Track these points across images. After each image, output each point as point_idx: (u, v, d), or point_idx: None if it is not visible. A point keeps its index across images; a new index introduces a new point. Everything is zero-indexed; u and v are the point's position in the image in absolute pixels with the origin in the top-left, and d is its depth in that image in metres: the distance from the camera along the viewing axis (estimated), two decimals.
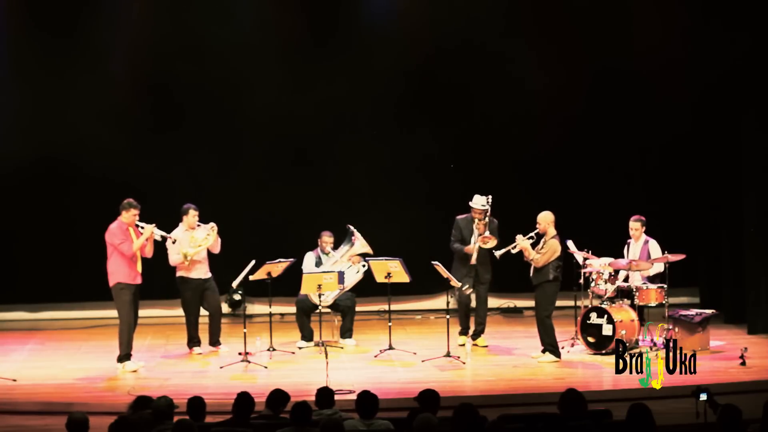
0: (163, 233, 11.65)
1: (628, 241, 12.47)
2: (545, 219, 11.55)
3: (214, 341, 12.43)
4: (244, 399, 7.75)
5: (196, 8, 14.14)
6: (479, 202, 12.36)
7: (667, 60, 13.99)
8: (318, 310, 12.38)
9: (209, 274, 12.33)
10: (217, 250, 12.25)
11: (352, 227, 12.73)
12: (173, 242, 11.83)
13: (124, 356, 11.48)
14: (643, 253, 12.26)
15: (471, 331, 12.53)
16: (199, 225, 12.19)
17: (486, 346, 12.47)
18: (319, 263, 12.66)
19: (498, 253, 11.91)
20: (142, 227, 11.51)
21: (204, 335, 12.44)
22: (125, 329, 11.45)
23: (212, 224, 12.14)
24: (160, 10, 14.06)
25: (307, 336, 12.59)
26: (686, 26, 13.86)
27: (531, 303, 12.03)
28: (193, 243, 12.07)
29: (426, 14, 14.23)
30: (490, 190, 12.39)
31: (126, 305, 11.44)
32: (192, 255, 12.05)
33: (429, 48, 14.31)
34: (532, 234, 11.59)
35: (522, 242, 11.59)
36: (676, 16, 13.92)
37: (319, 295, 12.19)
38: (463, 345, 12.04)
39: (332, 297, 12.53)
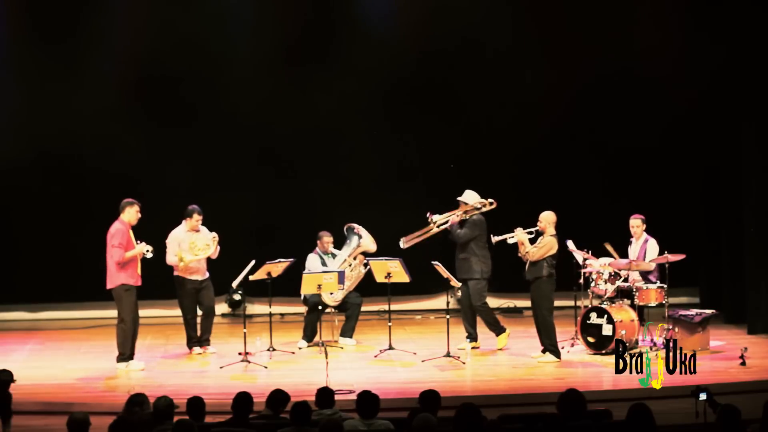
0: (151, 254, 11.48)
1: (630, 240, 12.48)
2: (546, 218, 11.56)
3: (204, 339, 12.37)
4: (242, 398, 7.75)
5: (196, 6, 14.15)
6: (468, 197, 12.28)
7: (667, 59, 14.00)
8: (325, 309, 12.43)
9: (206, 275, 12.31)
10: (214, 256, 12.22)
11: (354, 225, 12.73)
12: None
13: (128, 356, 11.48)
14: (642, 252, 12.28)
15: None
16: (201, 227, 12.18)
17: (502, 348, 12.39)
18: (323, 264, 12.63)
19: (495, 239, 11.94)
20: (139, 243, 11.44)
21: None
22: (130, 330, 11.45)
23: (214, 234, 12.09)
24: (159, 6, 14.07)
25: (308, 336, 12.58)
26: (687, 25, 13.88)
27: (530, 303, 12.02)
28: (193, 249, 12.03)
29: (425, 14, 14.24)
30: (490, 189, 12.37)
31: (132, 306, 11.45)
32: (188, 262, 12.02)
33: (428, 47, 14.33)
34: (532, 230, 11.62)
35: (520, 234, 11.60)
36: (675, 17, 13.96)
37: (330, 293, 12.21)
38: (463, 348, 12.02)
39: (341, 295, 12.54)
